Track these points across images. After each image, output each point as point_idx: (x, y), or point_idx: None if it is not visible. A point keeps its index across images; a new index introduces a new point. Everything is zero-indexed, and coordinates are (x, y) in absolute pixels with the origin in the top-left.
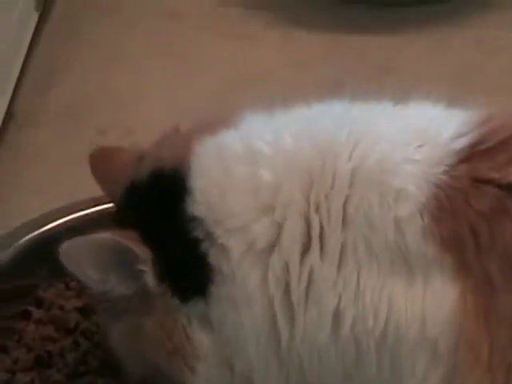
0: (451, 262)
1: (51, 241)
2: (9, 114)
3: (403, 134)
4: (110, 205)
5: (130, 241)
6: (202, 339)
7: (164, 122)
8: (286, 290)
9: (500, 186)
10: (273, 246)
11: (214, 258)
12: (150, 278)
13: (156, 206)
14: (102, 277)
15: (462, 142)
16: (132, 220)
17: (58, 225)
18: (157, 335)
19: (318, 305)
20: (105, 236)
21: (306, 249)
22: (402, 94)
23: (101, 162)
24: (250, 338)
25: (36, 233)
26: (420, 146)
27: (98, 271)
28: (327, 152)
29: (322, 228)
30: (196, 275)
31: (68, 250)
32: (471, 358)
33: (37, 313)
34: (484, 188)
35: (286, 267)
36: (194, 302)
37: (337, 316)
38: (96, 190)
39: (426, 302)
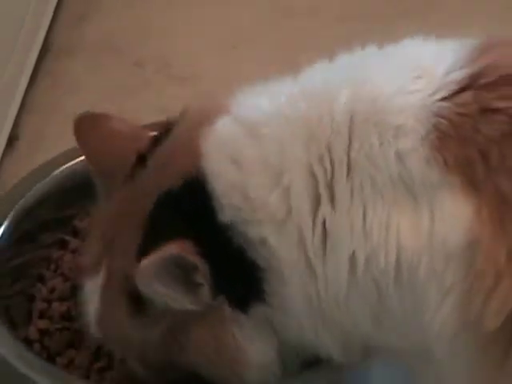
0: (460, 183)
1: (88, 170)
2: (46, 44)
3: (397, 70)
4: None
5: (190, 253)
6: (257, 346)
7: (201, 55)
8: (305, 249)
9: (509, 115)
10: (288, 212)
11: (261, 257)
12: (206, 292)
13: (196, 216)
14: (172, 293)
15: (461, 73)
16: (181, 232)
17: None
18: (203, 346)
19: (334, 254)
20: (173, 251)
21: (317, 202)
22: (443, 31)
23: (86, 127)
24: (304, 310)
25: (73, 162)
26: (416, 78)
27: (168, 288)
28: (322, 102)
29: (327, 178)
30: (250, 280)
31: (145, 270)
32: (490, 268)
33: (73, 242)
34: (493, 116)
35: (300, 227)
36: (254, 309)
37: (351, 260)
38: (132, 121)
39: (435, 229)
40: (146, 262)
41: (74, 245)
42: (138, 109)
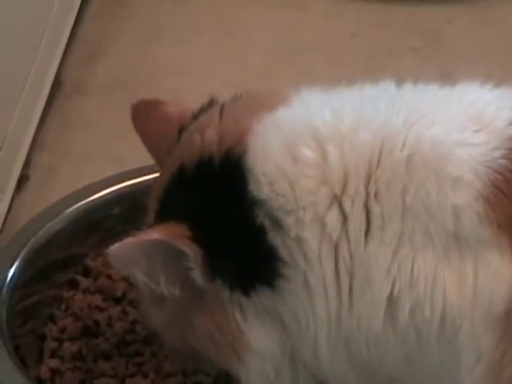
0: (509, 243)
1: (101, 209)
2: (57, 82)
3: (457, 118)
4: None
5: (178, 239)
6: (258, 332)
7: (211, 93)
8: (351, 280)
9: None
10: (341, 237)
11: (286, 250)
12: (198, 276)
13: (211, 191)
14: (152, 279)
15: None
16: (182, 209)
17: (108, 193)
18: (206, 328)
19: (371, 290)
20: (151, 237)
21: (366, 237)
22: (450, 65)
23: (142, 114)
24: (322, 328)
25: (85, 201)
26: (476, 131)
27: (148, 273)
28: (384, 139)
29: (382, 216)
30: (263, 268)
31: (116, 253)
32: None
33: (84, 282)
34: None
35: (351, 257)
36: (257, 295)
37: (392, 302)
38: (145, 160)
39: (479, 288)
40: (116, 245)
41: (85, 284)
42: None
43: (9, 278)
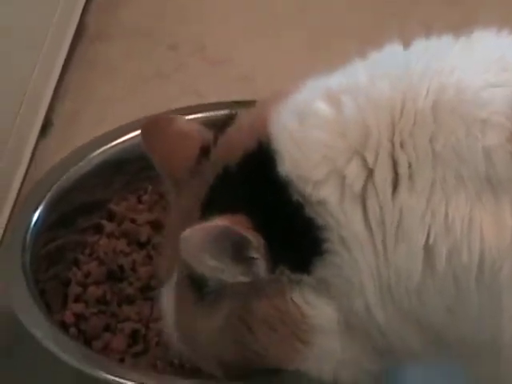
0: None
1: (124, 154)
2: (80, 28)
3: (479, 63)
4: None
5: (242, 226)
6: (319, 309)
7: (236, 39)
8: (384, 231)
9: None
10: (365, 189)
11: (318, 216)
12: (262, 265)
13: (253, 184)
14: (220, 265)
15: None
16: (236, 205)
17: (131, 138)
18: (268, 319)
19: (407, 241)
20: (219, 223)
21: (395, 187)
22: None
23: (154, 132)
24: (368, 283)
25: (109, 146)
26: (500, 72)
27: (215, 259)
28: (405, 88)
29: (410, 165)
30: (311, 241)
31: (188, 239)
32: None
33: (109, 226)
34: None
35: (380, 208)
36: (316, 270)
37: (428, 251)
38: (168, 105)
39: None
40: (188, 230)
41: (110, 229)
42: (173, 92)
43: (33, 223)
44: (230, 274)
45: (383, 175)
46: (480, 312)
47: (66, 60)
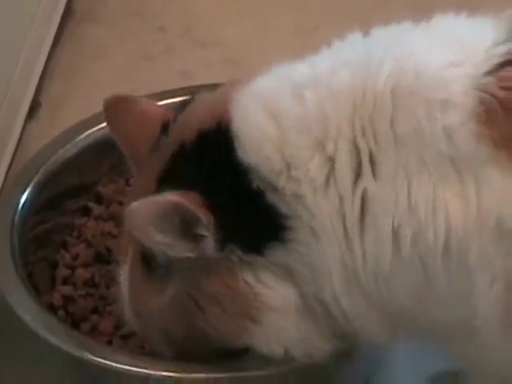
0: (508, 158)
1: (112, 136)
2: (68, 9)
3: (439, 44)
4: (171, 100)
5: (194, 204)
6: (274, 290)
7: (224, 20)
8: (343, 220)
9: None
10: (329, 180)
11: (285, 206)
12: (211, 244)
13: (210, 164)
14: (166, 240)
15: (505, 47)
16: (190, 182)
17: None
18: (217, 297)
19: (374, 227)
20: (170, 198)
21: (358, 175)
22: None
23: (117, 110)
24: (335, 271)
25: (97, 128)
26: (459, 52)
27: (162, 234)
28: (365, 75)
29: (371, 151)
30: (269, 226)
31: (134, 214)
32: None
33: (97, 209)
34: None
35: (344, 197)
36: (270, 253)
37: (395, 236)
38: (156, 87)
39: (484, 206)
40: (135, 203)
41: (97, 211)
42: (161, 74)
43: (21, 206)
44: (177, 249)
45: (344, 164)
46: (450, 295)
47: (53, 42)
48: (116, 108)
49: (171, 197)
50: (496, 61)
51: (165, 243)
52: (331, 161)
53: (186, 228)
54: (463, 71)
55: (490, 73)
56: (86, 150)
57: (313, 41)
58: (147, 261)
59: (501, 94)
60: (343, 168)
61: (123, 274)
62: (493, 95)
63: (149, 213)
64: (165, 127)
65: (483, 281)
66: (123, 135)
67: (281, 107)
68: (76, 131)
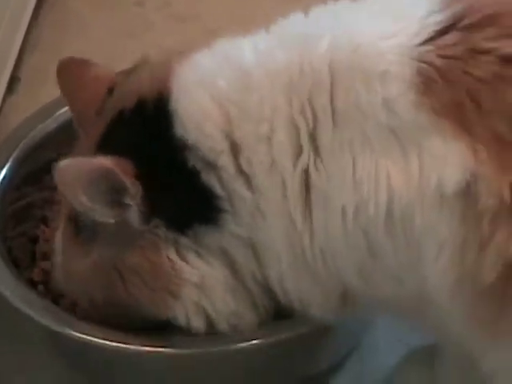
0: (449, 126)
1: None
2: None
3: (375, 17)
4: None
5: (124, 172)
6: (197, 267)
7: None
8: (288, 200)
9: (499, 56)
10: (270, 160)
11: (224, 187)
12: (135, 214)
13: (146, 135)
14: (90, 203)
15: (443, 15)
16: (125, 150)
17: None
18: (140, 270)
19: (320, 206)
20: (101, 162)
21: (298, 153)
22: None
23: (70, 73)
24: (282, 249)
25: None
26: (395, 23)
27: (87, 196)
28: (301, 52)
29: (310, 129)
30: (202, 207)
31: (64, 171)
32: (494, 203)
33: None
34: (481, 57)
35: (283, 177)
36: (197, 233)
37: (343, 213)
38: (135, 61)
39: (425, 174)
40: (65, 161)
41: None
42: (140, 48)
43: (0, 181)
44: (99, 213)
45: (282, 143)
46: (398, 265)
47: (33, 15)
48: (69, 70)
49: (103, 161)
50: (432, 29)
51: (88, 205)
52: (269, 140)
53: (113, 194)
54: (398, 41)
55: (427, 41)
56: (66, 124)
57: (295, 9)
58: (75, 221)
59: (439, 62)
60: (281, 147)
61: (57, 235)
62: (431, 64)
63: (78, 172)
64: (110, 91)
65: (430, 250)
66: (72, 97)
67: (222, 89)
68: (55, 106)
